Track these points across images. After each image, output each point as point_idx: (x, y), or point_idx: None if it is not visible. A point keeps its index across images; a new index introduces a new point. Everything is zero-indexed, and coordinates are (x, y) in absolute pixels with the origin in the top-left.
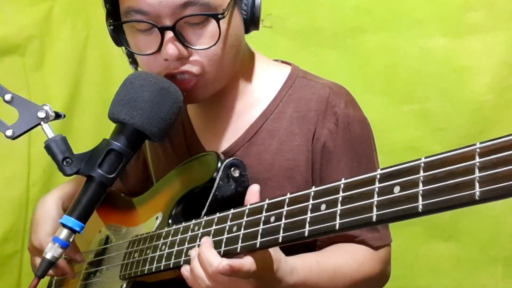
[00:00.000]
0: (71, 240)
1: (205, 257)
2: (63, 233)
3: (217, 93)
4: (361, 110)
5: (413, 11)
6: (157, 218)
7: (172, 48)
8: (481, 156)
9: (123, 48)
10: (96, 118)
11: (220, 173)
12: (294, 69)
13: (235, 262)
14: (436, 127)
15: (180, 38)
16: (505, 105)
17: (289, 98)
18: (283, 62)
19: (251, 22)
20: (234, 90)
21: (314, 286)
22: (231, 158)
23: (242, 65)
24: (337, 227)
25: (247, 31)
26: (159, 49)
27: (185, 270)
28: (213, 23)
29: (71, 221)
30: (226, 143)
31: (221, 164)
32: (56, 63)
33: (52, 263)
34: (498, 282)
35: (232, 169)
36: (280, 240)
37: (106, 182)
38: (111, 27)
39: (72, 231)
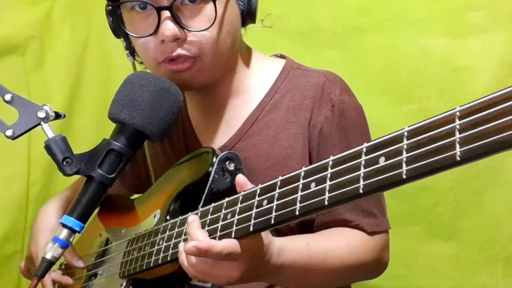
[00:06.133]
0: (71, 240)
1: (193, 237)
2: (63, 233)
3: (215, 90)
4: (356, 97)
5: (413, 11)
6: (155, 215)
7: (168, 29)
8: (460, 118)
9: (122, 40)
10: (96, 118)
11: (215, 166)
12: (288, 61)
13: (203, 243)
14: None
15: (176, 19)
16: None
17: (284, 88)
18: (280, 56)
19: (248, 14)
20: (231, 87)
21: (302, 269)
22: (226, 152)
23: (239, 61)
24: (326, 202)
25: (244, 23)
26: (156, 31)
27: (180, 252)
28: (209, 5)
29: (71, 221)
30: (223, 139)
31: (216, 158)
32: (56, 63)
33: (52, 263)
34: (498, 282)
35: (227, 162)
36: (272, 222)
37: (106, 182)
38: (109, 8)
39: (72, 231)
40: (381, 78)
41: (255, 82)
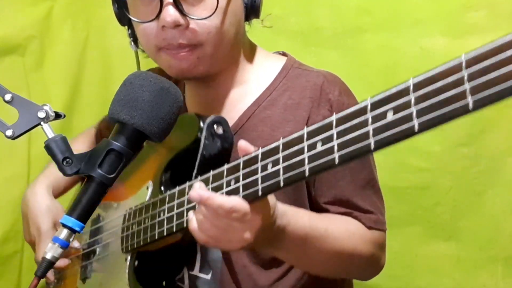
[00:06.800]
0: (71, 240)
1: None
2: (63, 233)
3: (214, 82)
4: (355, 98)
5: (413, 11)
6: (147, 187)
7: (169, 15)
8: (467, 67)
9: (126, 28)
10: (96, 118)
11: (204, 132)
12: (289, 60)
13: (207, 192)
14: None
15: (178, 6)
16: (505, 105)
17: (283, 86)
18: (282, 53)
19: (252, 8)
20: (231, 80)
21: (303, 238)
22: (213, 116)
23: (241, 55)
24: (336, 161)
25: (247, 18)
26: (157, 16)
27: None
28: None
29: (71, 221)
30: None
31: (203, 123)
32: (56, 63)
33: (52, 263)
34: (498, 282)
35: (215, 126)
36: (281, 184)
37: (106, 182)
38: None
39: (72, 231)
40: (381, 78)
41: (255, 77)
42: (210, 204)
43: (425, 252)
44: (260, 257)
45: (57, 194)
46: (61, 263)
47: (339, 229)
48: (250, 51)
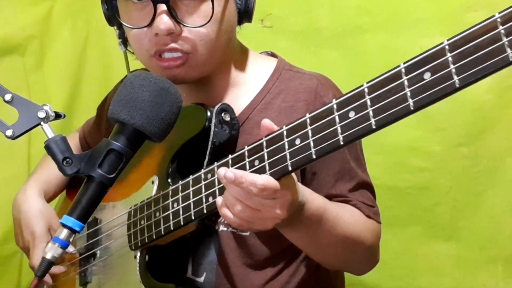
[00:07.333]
0: (71, 240)
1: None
2: (63, 233)
3: (206, 85)
4: None
5: (413, 11)
6: (152, 182)
7: (163, 23)
8: (503, 24)
9: (115, 28)
10: None
11: (213, 120)
12: (280, 62)
13: (239, 171)
14: (436, 127)
15: (172, 13)
16: (505, 105)
17: (276, 89)
18: (270, 53)
19: (245, 13)
20: (225, 81)
21: (318, 218)
22: (220, 104)
23: (234, 58)
24: (374, 126)
25: (240, 22)
26: (151, 23)
27: (220, 204)
28: (207, 2)
29: (71, 221)
30: None
31: (210, 111)
32: (56, 63)
33: (52, 263)
34: (498, 282)
35: (223, 114)
36: (314, 156)
37: (106, 182)
38: None
39: (72, 231)
40: None
41: (248, 79)
42: (243, 182)
43: (425, 252)
44: (255, 258)
45: (48, 198)
46: (56, 270)
47: (347, 215)
48: (242, 54)
